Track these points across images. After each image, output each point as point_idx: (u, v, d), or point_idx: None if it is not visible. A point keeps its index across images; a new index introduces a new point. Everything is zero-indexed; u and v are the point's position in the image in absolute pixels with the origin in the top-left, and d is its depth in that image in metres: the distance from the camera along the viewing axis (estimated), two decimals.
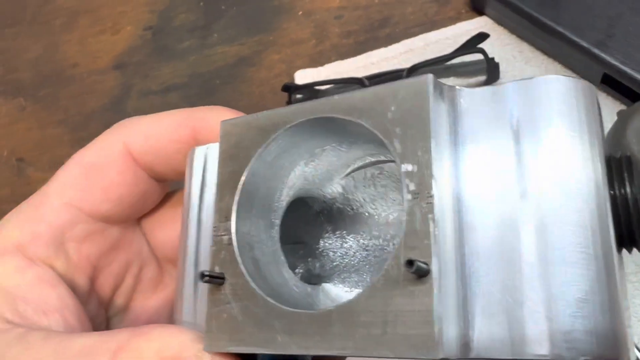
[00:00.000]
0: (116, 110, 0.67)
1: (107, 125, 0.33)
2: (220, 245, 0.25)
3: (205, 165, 0.29)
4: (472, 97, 0.23)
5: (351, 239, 0.30)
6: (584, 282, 0.20)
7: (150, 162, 0.32)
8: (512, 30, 0.59)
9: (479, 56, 0.57)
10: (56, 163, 0.34)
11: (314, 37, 0.66)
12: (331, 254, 0.31)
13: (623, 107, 0.54)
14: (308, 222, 0.31)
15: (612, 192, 0.22)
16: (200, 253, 0.29)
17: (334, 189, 0.30)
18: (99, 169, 0.32)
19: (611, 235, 0.22)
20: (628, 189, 0.22)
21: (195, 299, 0.28)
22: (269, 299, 0.23)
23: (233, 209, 0.25)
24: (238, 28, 0.68)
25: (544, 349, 0.20)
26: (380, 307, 0.21)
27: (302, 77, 0.62)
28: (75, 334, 0.28)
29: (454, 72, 0.59)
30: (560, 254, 0.21)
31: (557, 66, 0.57)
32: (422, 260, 0.20)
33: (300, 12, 0.67)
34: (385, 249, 0.29)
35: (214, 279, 0.24)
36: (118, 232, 0.33)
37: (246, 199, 0.26)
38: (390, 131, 0.22)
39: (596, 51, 0.53)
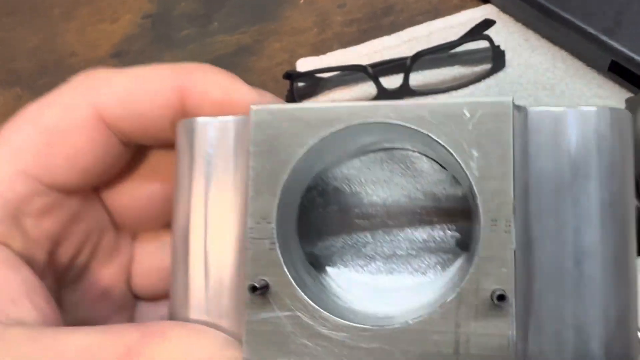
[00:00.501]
0: None
1: None
2: (260, 249, 0.23)
3: (211, 144, 0.26)
4: (539, 118, 0.23)
5: (347, 217, 0.29)
6: (622, 303, 0.22)
7: (126, 129, 0.28)
8: (518, 18, 0.59)
9: (484, 44, 0.56)
10: None
11: (316, 26, 0.65)
12: (327, 233, 0.29)
13: (631, 94, 0.53)
14: (304, 200, 0.29)
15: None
16: (208, 245, 0.26)
17: (338, 168, 0.29)
18: (64, 134, 0.27)
19: (635, 250, 0.23)
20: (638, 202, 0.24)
21: (206, 293, 0.26)
22: (326, 313, 0.22)
23: (274, 211, 0.23)
24: (239, 16, 0.68)
25: None
26: (452, 327, 0.21)
27: (304, 65, 0.61)
28: (63, 329, 0.24)
29: (459, 60, 0.58)
30: (601, 277, 0.22)
31: (564, 54, 0.56)
32: (500, 288, 0.21)
33: (302, 1, 0.67)
34: (382, 228, 0.29)
35: (263, 289, 0.23)
36: (78, 202, 0.29)
37: (284, 199, 0.24)
38: (466, 152, 0.22)
39: (604, 38, 0.52)
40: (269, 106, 0.24)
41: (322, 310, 0.23)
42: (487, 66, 0.56)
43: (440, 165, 0.27)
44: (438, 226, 0.28)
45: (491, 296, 0.21)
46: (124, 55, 0.69)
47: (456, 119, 0.22)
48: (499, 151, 0.22)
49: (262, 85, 0.63)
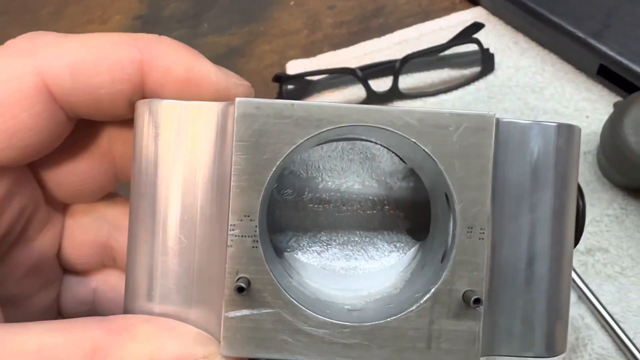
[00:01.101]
0: None
1: None
2: (242, 247, 0.23)
3: (176, 125, 0.25)
4: (508, 129, 0.24)
5: (300, 200, 0.29)
6: (562, 297, 0.25)
7: (75, 103, 0.25)
8: (508, 20, 0.59)
9: (473, 47, 0.56)
10: None
11: (306, 28, 0.65)
12: (278, 215, 0.29)
13: (619, 98, 0.53)
14: None
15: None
16: (178, 227, 0.24)
17: (299, 154, 0.29)
18: (2, 105, 0.24)
19: (572, 247, 0.26)
20: (583, 200, 0.27)
21: (175, 282, 0.24)
22: (308, 310, 0.23)
23: (258, 209, 0.23)
24: (229, 18, 0.67)
25: (539, 349, 0.25)
26: (426, 324, 0.23)
27: (294, 67, 0.61)
28: (20, 326, 0.22)
29: (448, 63, 0.58)
30: (547, 273, 0.25)
31: (553, 57, 0.56)
32: (472, 289, 0.23)
33: (292, 2, 0.66)
34: (336, 214, 0.29)
35: (247, 288, 0.23)
36: (13, 178, 0.26)
37: (266, 196, 0.24)
38: (449, 162, 0.23)
39: (592, 42, 0.52)
40: (255, 101, 0.23)
41: (303, 308, 0.23)
42: (476, 69, 0.56)
43: (400, 158, 0.28)
44: (390, 214, 0.29)
45: (463, 297, 0.23)
46: None
47: (442, 129, 0.23)
48: (479, 163, 0.23)
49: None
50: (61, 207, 0.31)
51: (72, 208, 0.31)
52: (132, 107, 0.26)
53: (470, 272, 0.23)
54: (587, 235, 0.49)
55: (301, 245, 0.29)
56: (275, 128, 0.23)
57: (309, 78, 0.58)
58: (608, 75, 0.52)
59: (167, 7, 0.70)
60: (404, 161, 0.29)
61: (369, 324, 0.23)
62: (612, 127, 0.46)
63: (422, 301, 0.23)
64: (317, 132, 0.23)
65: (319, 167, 0.29)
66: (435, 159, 0.23)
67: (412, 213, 0.29)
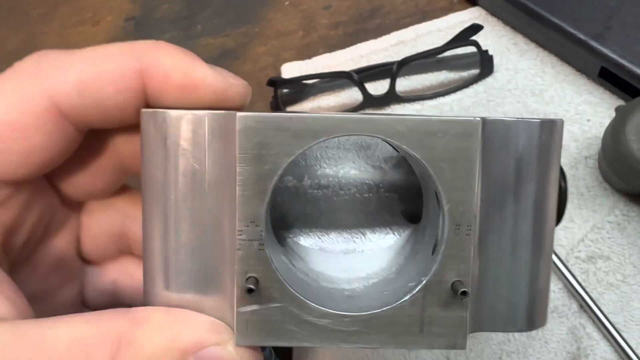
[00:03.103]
0: None
1: None
2: (250, 250, 0.25)
3: (182, 139, 0.26)
4: (494, 127, 0.26)
5: (300, 186, 0.32)
6: (542, 278, 0.27)
7: (84, 117, 0.27)
8: (507, 21, 0.57)
9: (472, 48, 0.55)
10: None
11: (301, 29, 0.63)
12: (278, 199, 0.31)
13: (621, 101, 0.52)
14: None
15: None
16: (179, 245, 0.27)
17: None
18: (17, 128, 0.26)
19: (553, 232, 0.28)
20: (565, 183, 0.29)
21: (189, 274, 0.27)
22: (312, 303, 0.25)
23: (263, 215, 0.25)
24: (222, 19, 0.66)
25: (521, 324, 0.28)
26: (418, 312, 0.25)
27: (289, 70, 0.60)
28: (50, 320, 0.24)
29: (446, 65, 0.57)
30: (529, 259, 0.27)
31: (553, 59, 0.55)
32: (460, 280, 0.25)
33: (287, 2, 0.65)
34: (335, 198, 0.32)
35: (256, 287, 0.25)
36: (30, 190, 0.29)
37: (269, 202, 0.26)
38: (438, 165, 0.25)
39: (593, 44, 0.51)
40: (255, 115, 0.25)
41: (308, 302, 0.25)
42: (475, 71, 0.55)
43: (394, 148, 0.30)
44: (385, 196, 0.32)
45: (452, 288, 0.25)
46: None
47: (431, 136, 0.25)
48: (466, 166, 0.25)
49: None
50: (76, 206, 0.33)
51: (87, 204, 0.34)
52: (137, 113, 0.27)
53: (458, 264, 0.25)
54: (588, 243, 0.48)
55: (303, 230, 0.32)
56: (275, 140, 0.25)
57: (304, 82, 0.57)
58: (609, 77, 0.51)
59: (160, 8, 0.68)
60: (397, 150, 0.31)
61: (367, 313, 0.25)
62: (614, 133, 0.45)
63: (415, 291, 0.25)
64: (313, 143, 0.25)
65: (317, 156, 0.32)
66: (425, 164, 0.25)
67: (406, 196, 0.32)
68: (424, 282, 0.25)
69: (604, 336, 0.45)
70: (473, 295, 0.26)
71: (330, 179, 0.31)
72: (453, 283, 0.25)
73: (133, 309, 0.25)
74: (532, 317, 0.27)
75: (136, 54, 0.26)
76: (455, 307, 0.26)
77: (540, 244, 0.27)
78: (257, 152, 0.25)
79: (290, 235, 0.32)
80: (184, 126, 0.26)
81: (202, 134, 0.26)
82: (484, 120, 0.25)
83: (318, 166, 0.31)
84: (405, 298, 0.26)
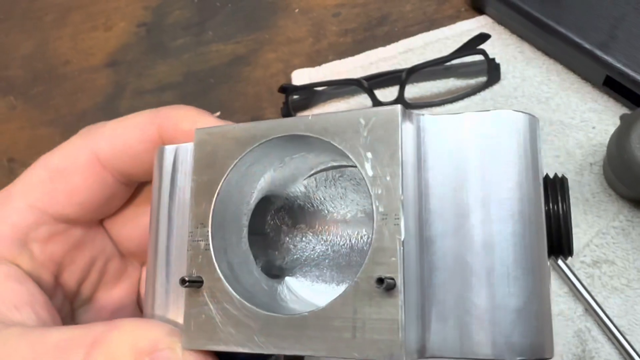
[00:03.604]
0: (108, 110, 0.66)
1: None
2: (197, 250, 0.27)
3: (175, 164, 0.30)
4: (435, 124, 0.25)
5: (310, 233, 0.32)
6: (523, 293, 0.24)
7: (118, 166, 0.33)
8: (513, 30, 0.59)
9: (479, 57, 0.56)
10: None
11: (311, 36, 0.64)
12: (291, 247, 0.32)
13: (625, 109, 0.53)
14: (270, 216, 0.33)
15: (547, 208, 0.26)
16: (171, 250, 0.30)
17: (297, 188, 0.32)
18: (64, 173, 0.33)
19: (545, 248, 0.25)
20: (559, 205, 0.26)
21: (167, 294, 0.30)
22: (247, 303, 0.25)
23: (209, 217, 0.27)
24: (233, 26, 0.67)
25: (488, 350, 0.23)
26: (350, 314, 0.24)
27: (299, 77, 0.61)
28: (51, 328, 0.29)
29: (454, 72, 0.58)
30: (503, 269, 0.24)
31: (559, 67, 0.56)
32: (389, 276, 0.23)
33: (297, 10, 0.66)
34: (343, 245, 0.32)
35: (193, 283, 0.26)
36: (81, 231, 0.35)
37: (221, 206, 0.27)
38: (362, 155, 0.25)
39: (598, 53, 0.52)
40: (209, 128, 0.28)
41: (245, 302, 0.26)
42: (482, 79, 0.56)
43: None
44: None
45: (380, 283, 0.23)
46: (118, 65, 0.68)
47: (353, 127, 0.25)
48: (388, 152, 0.24)
49: (257, 97, 0.63)
50: (138, 260, 0.38)
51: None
52: None
53: (388, 258, 0.23)
54: (593, 247, 0.49)
55: (304, 270, 0.32)
56: (222, 148, 0.27)
57: (315, 88, 0.58)
58: (614, 86, 0.52)
59: (172, 14, 0.70)
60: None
61: (299, 315, 0.24)
62: (619, 141, 0.46)
63: (345, 289, 0.24)
64: (254, 145, 0.27)
65: (320, 198, 0.32)
66: (348, 154, 0.25)
67: None
68: (355, 278, 0.24)
69: (609, 339, 0.46)
70: (423, 304, 0.24)
71: (339, 222, 0.32)
72: (379, 278, 0.23)
73: (114, 320, 0.29)
74: (511, 340, 0.24)
75: (156, 113, 0.33)
76: (388, 307, 0.23)
77: (527, 249, 0.24)
78: (208, 161, 0.28)
79: (290, 274, 0.32)
80: (172, 156, 0.31)
81: (186, 161, 0.30)
82: (404, 109, 0.25)
83: (325, 210, 0.32)
84: (336, 297, 0.24)
